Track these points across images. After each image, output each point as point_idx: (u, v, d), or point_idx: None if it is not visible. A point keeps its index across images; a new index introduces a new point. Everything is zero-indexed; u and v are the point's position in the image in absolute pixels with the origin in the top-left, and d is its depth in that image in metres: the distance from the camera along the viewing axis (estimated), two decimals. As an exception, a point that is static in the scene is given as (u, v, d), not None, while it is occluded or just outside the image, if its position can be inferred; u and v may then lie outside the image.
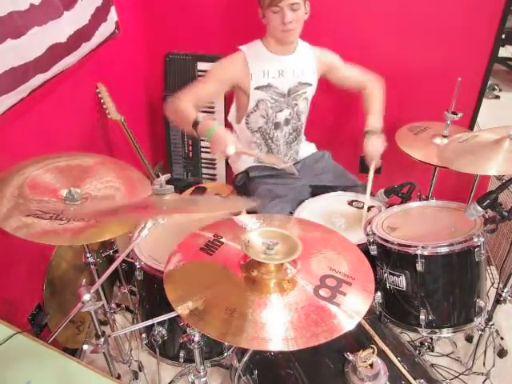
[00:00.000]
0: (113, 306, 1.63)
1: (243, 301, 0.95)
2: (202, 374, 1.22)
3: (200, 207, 1.22)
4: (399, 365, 1.12)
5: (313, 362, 1.17)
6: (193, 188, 2.23)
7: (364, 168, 1.77)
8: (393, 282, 1.36)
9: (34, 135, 1.48)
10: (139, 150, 2.01)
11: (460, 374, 1.66)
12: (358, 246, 1.20)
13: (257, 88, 1.71)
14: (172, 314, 1.09)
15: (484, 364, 1.65)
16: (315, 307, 0.93)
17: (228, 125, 1.91)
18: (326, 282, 1.00)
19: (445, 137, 1.79)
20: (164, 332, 1.36)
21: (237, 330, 0.88)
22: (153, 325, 1.33)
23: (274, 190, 1.77)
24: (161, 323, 1.36)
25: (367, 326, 1.20)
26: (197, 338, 1.11)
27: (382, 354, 1.13)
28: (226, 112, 1.97)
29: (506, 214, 1.22)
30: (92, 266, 1.40)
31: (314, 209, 1.66)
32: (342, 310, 0.93)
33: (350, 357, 1.08)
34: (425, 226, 1.44)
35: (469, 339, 1.85)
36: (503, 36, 1.97)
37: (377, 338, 1.18)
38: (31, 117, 1.46)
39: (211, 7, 2.09)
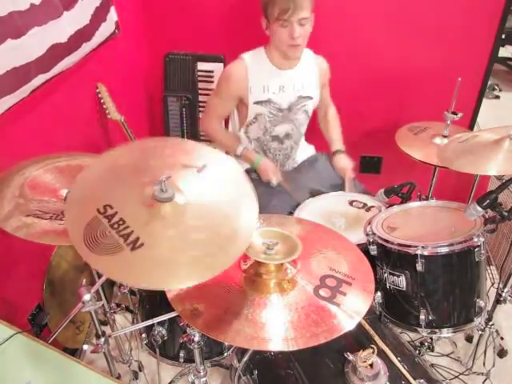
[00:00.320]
0: (113, 305, 1.62)
1: (243, 301, 0.95)
2: (202, 374, 1.22)
3: None
4: (399, 365, 1.12)
5: (313, 362, 1.16)
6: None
7: (364, 168, 1.77)
8: (393, 281, 1.36)
9: (34, 135, 1.48)
10: (139, 150, 2.00)
11: (460, 374, 1.66)
12: (358, 245, 1.20)
13: (256, 102, 1.71)
14: (172, 314, 1.09)
15: (484, 364, 1.64)
16: (315, 307, 0.93)
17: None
18: (326, 281, 1.00)
19: (445, 137, 1.79)
20: (164, 332, 1.36)
21: (237, 330, 0.88)
22: (153, 325, 1.33)
23: (273, 190, 1.77)
24: (161, 323, 1.36)
25: (367, 326, 1.20)
26: (197, 338, 1.11)
27: (382, 354, 1.13)
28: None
29: (505, 213, 1.22)
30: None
31: (313, 209, 1.66)
32: (342, 310, 0.93)
33: (350, 357, 1.08)
34: (425, 226, 1.44)
35: (469, 339, 1.85)
36: (503, 36, 1.97)
37: (377, 338, 1.18)
38: (31, 117, 1.46)
39: (211, 7, 2.09)
